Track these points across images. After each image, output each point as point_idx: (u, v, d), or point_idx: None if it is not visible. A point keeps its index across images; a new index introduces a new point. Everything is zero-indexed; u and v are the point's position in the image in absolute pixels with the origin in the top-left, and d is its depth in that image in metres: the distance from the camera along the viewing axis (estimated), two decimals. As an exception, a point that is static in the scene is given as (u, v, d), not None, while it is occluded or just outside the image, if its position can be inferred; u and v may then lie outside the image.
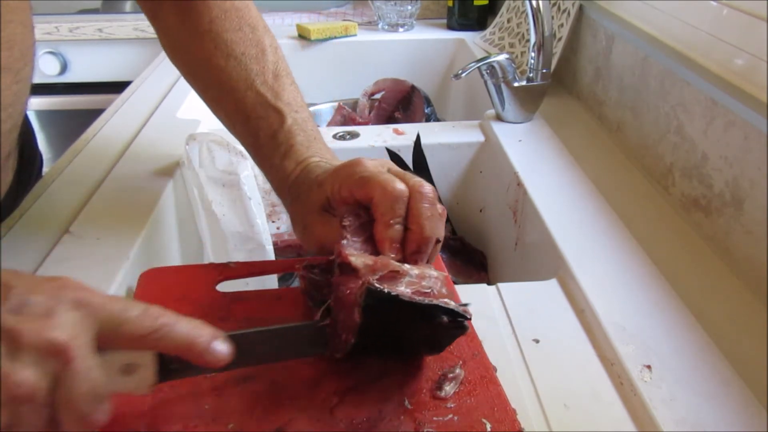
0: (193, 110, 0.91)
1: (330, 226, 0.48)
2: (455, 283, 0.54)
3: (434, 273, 0.42)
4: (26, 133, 0.76)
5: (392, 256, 0.42)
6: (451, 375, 0.43)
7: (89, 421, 0.33)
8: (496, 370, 0.44)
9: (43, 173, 0.84)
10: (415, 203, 0.43)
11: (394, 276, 0.40)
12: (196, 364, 0.37)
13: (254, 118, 0.55)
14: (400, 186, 0.43)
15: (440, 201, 0.45)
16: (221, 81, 0.57)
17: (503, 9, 1.22)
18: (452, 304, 0.40)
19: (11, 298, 0.32)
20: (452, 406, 0.41)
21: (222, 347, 0.37)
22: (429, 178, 0.87)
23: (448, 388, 0.42)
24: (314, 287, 0.47)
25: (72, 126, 1.38)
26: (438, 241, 0.44)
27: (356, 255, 0.42)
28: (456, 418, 0.40)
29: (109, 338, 0.34)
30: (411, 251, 0.43)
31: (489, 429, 0.39)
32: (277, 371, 0.43)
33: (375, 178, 0.44)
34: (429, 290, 0.40)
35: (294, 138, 0.53)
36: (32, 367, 0.31)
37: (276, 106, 0.55)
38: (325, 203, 0.48)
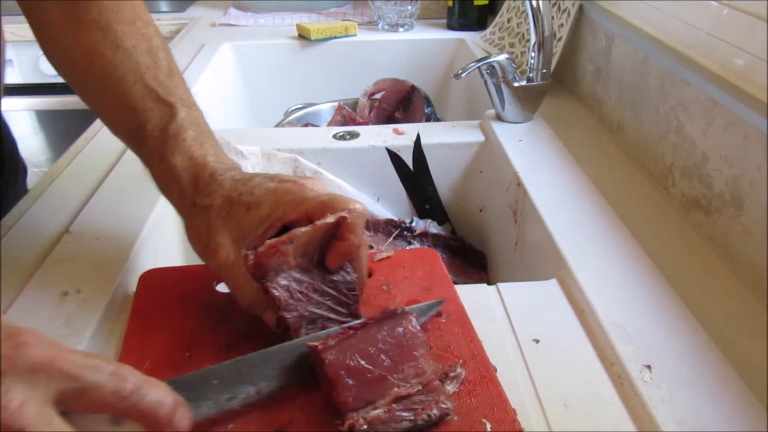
0: (193, 110, 0.90)
1: (238, 255, 0.45)
2: (455, 283, 0.54)
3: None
4: (6, 143, 0.74)
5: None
6: (452, 375, 0.43)
7: None
8: (496, 370, 0.44)
9: (28, 184, 0.82)
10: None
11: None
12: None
13: (142, 110, 0.51)
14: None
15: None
16: (106, 72, 0.52)
17: (503, 9, 1.22)
18: None
19: None
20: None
21: (182, 419, 0.36)
22: (429, 178, 0.87)
23: (449, 388, 0.42)
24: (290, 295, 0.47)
25: (72, 126, 1.38)
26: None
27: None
28: (456, 418, 0.40)
29: (74, 402, 0.33)
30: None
31: (489, 429, 0.39)
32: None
33: (338, 198, 0.46)
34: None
35: (186, 132, 0.51)
36: None
37: (167, 100, 0.52)
38: (250, 228, 0.46)
